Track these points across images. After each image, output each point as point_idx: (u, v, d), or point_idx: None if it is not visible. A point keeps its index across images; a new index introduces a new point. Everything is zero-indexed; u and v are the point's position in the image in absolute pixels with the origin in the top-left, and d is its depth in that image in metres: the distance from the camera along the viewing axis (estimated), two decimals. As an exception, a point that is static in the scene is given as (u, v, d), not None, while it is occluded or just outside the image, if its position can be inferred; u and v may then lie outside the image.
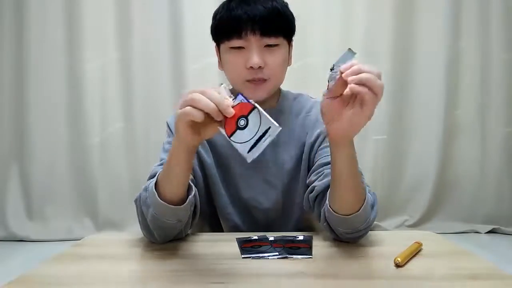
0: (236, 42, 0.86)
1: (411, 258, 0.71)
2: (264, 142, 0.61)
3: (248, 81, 0.89)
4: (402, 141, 2.59)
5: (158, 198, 0.73)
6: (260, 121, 0.61)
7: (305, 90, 1.09)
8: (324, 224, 0.82)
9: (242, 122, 0.62)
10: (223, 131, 0.63)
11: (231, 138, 0.62)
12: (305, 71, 2.45)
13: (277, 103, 1.00)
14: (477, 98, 2.55)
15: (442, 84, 2.52)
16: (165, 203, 0.73)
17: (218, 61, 0.96)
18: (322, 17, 2.48)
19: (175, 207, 0.74)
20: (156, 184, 0.75)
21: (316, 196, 0.86)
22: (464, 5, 2.51)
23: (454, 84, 2.55)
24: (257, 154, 0.62)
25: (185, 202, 0.75)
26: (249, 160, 0.62)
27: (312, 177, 0.92)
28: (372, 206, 0.80)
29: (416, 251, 0.74)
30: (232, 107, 0.61)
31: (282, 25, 0.88)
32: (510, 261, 1.66)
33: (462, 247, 0.79)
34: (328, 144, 0.76)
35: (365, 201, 0.75)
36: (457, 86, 2.56)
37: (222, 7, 0.90)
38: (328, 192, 0.80)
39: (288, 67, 0.95)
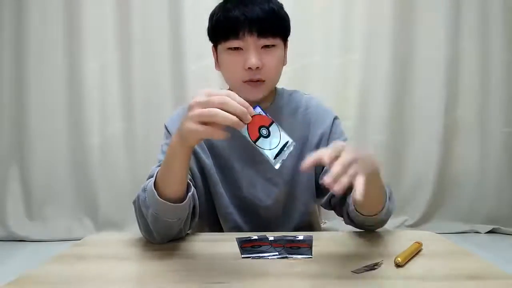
0: (233, 43, 0.87)
1: (411, 258, 0.71)
2: (284, 153, 0.66)
3: (245, 81, 0.89)
4: (402, 141, 2.59)
5: (158, 197, 0.73)
6: (280, 134, 0.66)
7: (305, 90, 1.10)
8: (348, 220, 0.90)
9: (264, 132, 0.65)
10: (247, 136, 0.65)
11: (257, 143, 0.65)
12: (305, 71, 2.45)
13: (273, 101, 1.00)
14: (477, 98, 2.55)
15: (442, 84, 2.52)
16: (165, 201, 0.73)
17: (215, 62, 0.97)
18: (322, 17, 2.48)
19: (175, 205, 0.74)
20: (154, 183, 0.75)
21: (339, 199, 0.92)
22: (464, 5, 2.51)
23: (454, 84, 2.55)
24: (281, 162, 0.66)
25: (184, 200, 0.75)
26: (277, 166, 0.65)
27: None
28: (389, 197, 0.86)
29: (416, 251, 0.74)
30: (252, 116, 0.64)
31: (278, 25, 0.89)
32: (510, 261, 1.66)
33: (462, 247, 0.79)
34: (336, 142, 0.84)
35: (387, 197, 0.82)
36: (457, 86, 2.56)
37: (218, 8, 0.90)
38: (351, 197, 0.85)
39: (284, 66, 0.96)
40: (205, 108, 0.61)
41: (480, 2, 2.50)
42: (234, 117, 0.61)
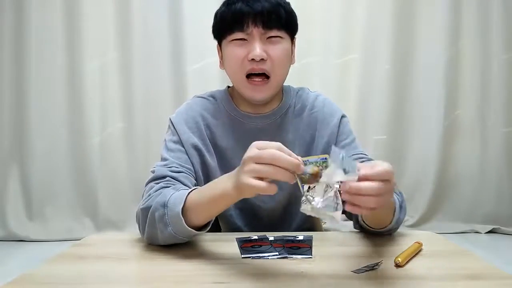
0: (238, 35, 0.86)
1: (411, 258, 0.71)
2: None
3: (248, 78, 0.88)
4: (402, 141, 2.59)
5: (185, 224, 0.71)
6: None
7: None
8: (357, 225, 0.88)
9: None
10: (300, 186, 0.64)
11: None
12: (306, 71, 2.46)
13: (281, 101, 0.98)
14: (477, 98, 2.56)
15: (442, 84, 2.53)
16: (191, 229, 0.72)
17: (220, 61, 0.96)
18: (322, 17, 2.48)
19: (197, 232, 0.74)
20: (182, 207, 0.73)
21: None
22: (464, 5, 2.51)
23: (454, 84, 2.55)
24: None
25: (206, 227, 0.75)
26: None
27: None
28: (401, 207, 0.83)
29: (416, 251, 0.74)
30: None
31: (284, 18, 0.88)
32: (510, 261, 1.66)
33: (462, 247, 0.79)
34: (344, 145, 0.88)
35: (395, 211, 0.79)
36: (457, 86, 2.56)
37: (223, 5, 0.91)
38: None
39: (291, 65, 0.95)
40: (257, 162, 0.62)
41: (480, 2, 2.50)
42: (287, 173, 0.61)
